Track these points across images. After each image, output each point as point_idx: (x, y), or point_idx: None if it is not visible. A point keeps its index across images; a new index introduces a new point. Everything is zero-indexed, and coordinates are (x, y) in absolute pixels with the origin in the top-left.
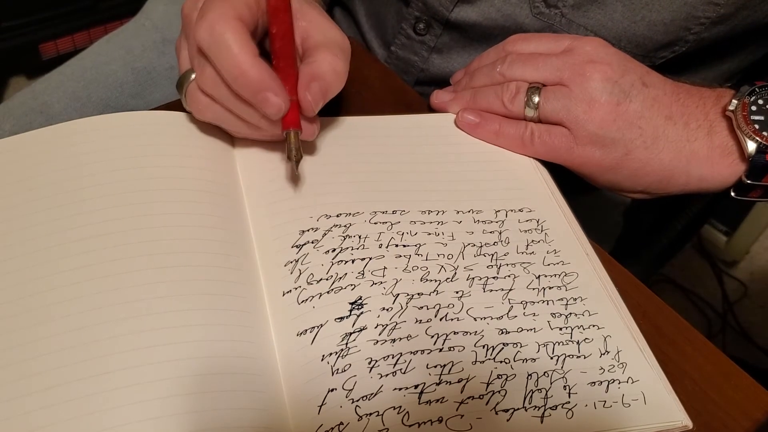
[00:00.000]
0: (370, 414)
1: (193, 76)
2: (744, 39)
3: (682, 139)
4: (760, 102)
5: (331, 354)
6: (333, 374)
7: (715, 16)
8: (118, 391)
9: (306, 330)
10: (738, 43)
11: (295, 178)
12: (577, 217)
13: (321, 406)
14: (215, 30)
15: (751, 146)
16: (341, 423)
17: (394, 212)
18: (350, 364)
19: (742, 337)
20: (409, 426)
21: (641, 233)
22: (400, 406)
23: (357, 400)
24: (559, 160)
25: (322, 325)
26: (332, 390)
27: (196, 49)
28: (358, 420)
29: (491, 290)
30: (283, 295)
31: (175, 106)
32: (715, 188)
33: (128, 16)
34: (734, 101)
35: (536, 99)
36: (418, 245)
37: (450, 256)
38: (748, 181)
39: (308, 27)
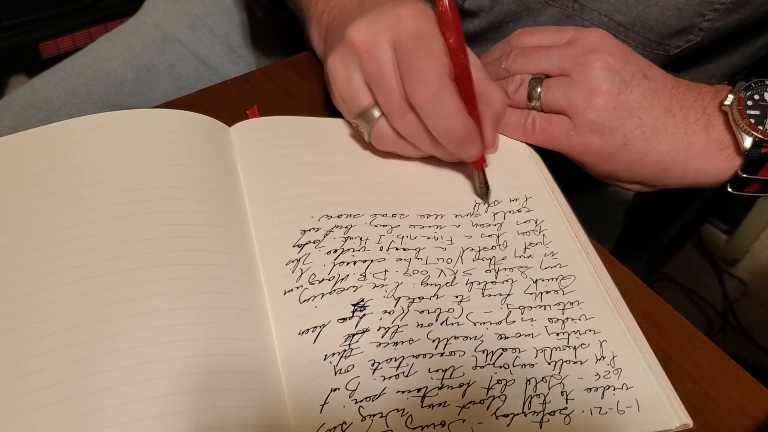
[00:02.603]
0: (374, 415)
1: (378, 113)
2: (758, 30)
3: (680, 132)
4: (756, 97)
5: (333, 354)
6: (336, 374)
7: (730, 1)
8: (117, 389)
9: (308, 329)
10: (751, 35)
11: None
12: (577, 215)
13: (323, 406)
14: (439, 98)
15: (747, 140)
16: (344, 423)
17: (393, 215)
18: (353, 365)
19: (742, 335)
20: (413, 429)
21: (642, 232)
22: (404, 409)
23: (360, 401)
24: (558, 147)
25: (324, 325)
26: (335, 390)
27: (402, 98)
28: (362, 420)
29: (490, 295)
30: (285, 294)
31: (175, 104)
32: (712, 182)
33: (129, 15)
34: (730, 96)
35: (538, 89)
36: (418, 249)
37: (449, 261)
38: (744, 175)
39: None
